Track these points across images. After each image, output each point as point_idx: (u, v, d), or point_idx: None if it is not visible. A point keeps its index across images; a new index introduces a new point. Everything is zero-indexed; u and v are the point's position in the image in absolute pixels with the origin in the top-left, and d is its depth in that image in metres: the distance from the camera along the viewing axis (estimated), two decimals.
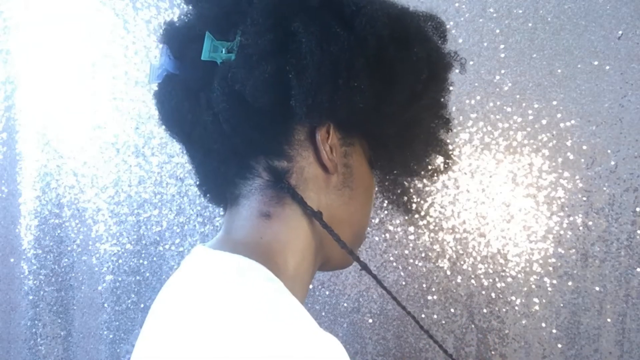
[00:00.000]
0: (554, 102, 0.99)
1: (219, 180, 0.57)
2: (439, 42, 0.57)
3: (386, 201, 0.72)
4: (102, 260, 1.16)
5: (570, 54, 0.98)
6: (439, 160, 0.66)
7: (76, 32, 1.15)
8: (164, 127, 0.58)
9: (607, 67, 0.97)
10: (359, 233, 0.59)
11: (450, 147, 0.69)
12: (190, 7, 0.55)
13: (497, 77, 1.01)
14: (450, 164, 0.67)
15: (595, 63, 0.98)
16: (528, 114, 1.00)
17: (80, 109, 1.15)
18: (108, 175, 1.15)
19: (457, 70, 0.60)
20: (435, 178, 0.71)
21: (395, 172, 0.64)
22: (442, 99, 0.61)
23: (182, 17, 0.56)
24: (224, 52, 0.51)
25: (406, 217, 0.74)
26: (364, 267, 0.56)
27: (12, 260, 1.20)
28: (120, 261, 1.15)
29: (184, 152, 0.61)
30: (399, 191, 0.70)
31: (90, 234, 1.16)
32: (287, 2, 0.50)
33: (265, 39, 0.48)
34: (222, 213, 1.12)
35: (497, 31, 1.01)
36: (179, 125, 0.56)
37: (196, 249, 0.54)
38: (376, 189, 0.63)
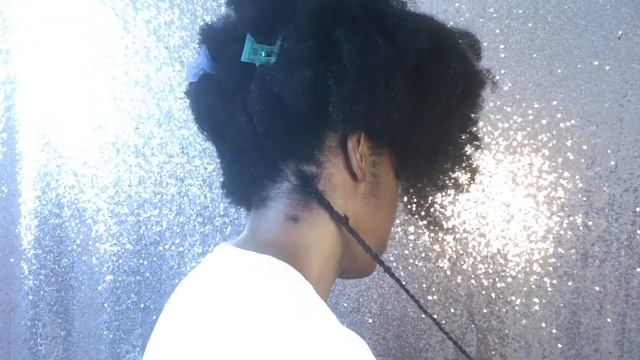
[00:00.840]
0: (554, 102, 0.99)
1: (247, 181, 0.57)
2: (474, 59, 0.59)
3: (409, 214, 0.73)
4: (102, 260, 1.16)
5: (570, 54, 0.98)
6: (464, 175, 0.67)
7: (76, 32, 1.15)
8: (197, 125, 0.59)
9: (607, 67, 0.97)
10: (382, 241, 0.60)
11: (475, 163, 0.69)
12: (232, 9, 0.56)
13: (497, 77, 1.01)
14: (474, 180, 0.68)
15: (595, 63, 0.98)
16: (528, 114, 1.00)
17: (80, 109, 1.15)
18: (108, 175, 1.15)
19: (489, 89, 0.62)
20: (459, 193, 0.72)
21: (419, 184, 0.65)
22: (474, 115, 0.62)
23: (221, 18, 0.57)
24: (263, 55, 0.51)
25: (430, 229, 0.75)
26: (387, 270, 0.58)
27: (12, 260, 1.20)
28: (120, 261, 1.15)
29: (215, 151, 0.62)
30: (422, 202, 0.72)
31: (90, 234, 1.16)
32: (330, 10, 0.50)
33: (306, 44, 0.49)
34: (221, 213, 1.12)
35: (497, 31, 1.01)
36: (212, 124, 0.57)
37: (220, 247, 0.55)
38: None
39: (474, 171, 0.67)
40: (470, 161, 0.65)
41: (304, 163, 0.53)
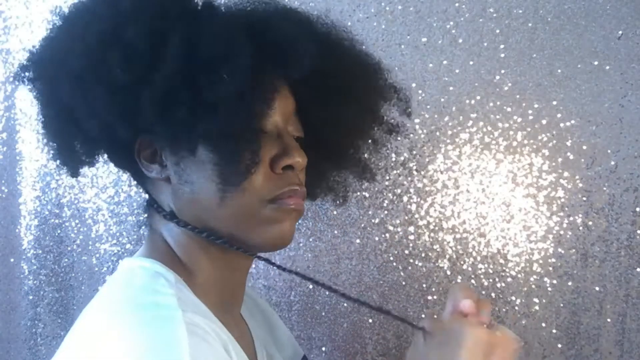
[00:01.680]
0: (554, 102, 0.99)
1: None
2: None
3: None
4: (102, 260, 1.16)
5: (570, 54, 0.98)
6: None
7: None
8: None
9: (607, 67, 0.97)
10: (234, 218, 0.56)
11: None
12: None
13: (497, 77, 1.01)
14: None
15: (595, 63, 0.98)
16: (528, 114, 1.00)
17: None
18: (108, 175, 1.15)
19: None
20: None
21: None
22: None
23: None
24: None
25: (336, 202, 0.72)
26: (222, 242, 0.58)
27: (12, 260, 1.20)
28: (120, 261, 1.15)
29: None
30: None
31: (90, 234, 1.16)
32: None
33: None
34: None
35: (497, 31, 1.01)
36: None
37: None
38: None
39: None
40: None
41: (138, 179, 0.62)
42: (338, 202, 0.73)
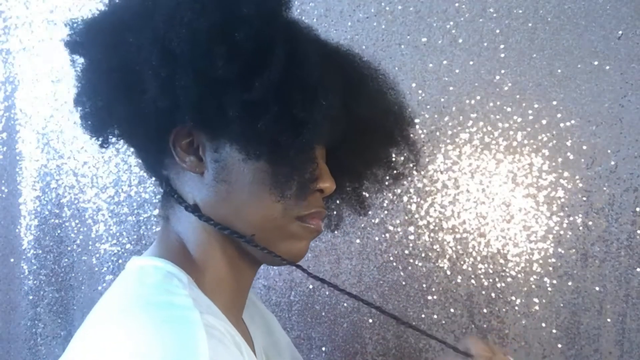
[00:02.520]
0: (554, 102, 0.99)
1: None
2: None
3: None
4: (102, 260, 1.16)
5: (570, 54, 0.98)
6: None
7: None
8: None
9: (607, 67, 0.97)
10: (263, 226, 0.56)
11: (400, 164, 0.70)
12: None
13: (497, 77, 1.01)
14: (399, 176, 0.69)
15: (595, 63, 0.98)
16: (528, 114, 1.00)
17: None
18: (108, 175, 1.15)
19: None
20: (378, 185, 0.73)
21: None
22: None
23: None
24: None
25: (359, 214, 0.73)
26: (263, 250, 0.58)
27: (12, 260, 1.20)
28: (120, 261, 1.15)
29: None
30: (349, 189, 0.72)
31: (90, 234, 1.16)
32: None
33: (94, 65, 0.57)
34: None
35: (497, 31, 1.01)
36: None
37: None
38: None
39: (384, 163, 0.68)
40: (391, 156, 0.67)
41: (161, 169, 0.60)
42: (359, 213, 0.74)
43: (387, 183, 0.72)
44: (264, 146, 0.52)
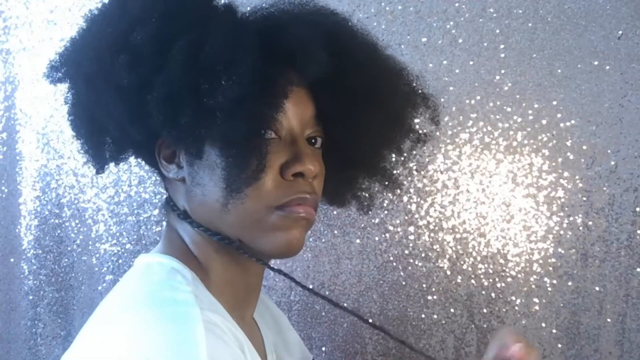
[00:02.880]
0: (554, 102, 0.99)
1: None
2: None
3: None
4: (102, 260, 1.16)
5: (570, 54, 0.98)
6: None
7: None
8: None
9: (607, 67, 0.97)
10: (241, 223, 0.55)
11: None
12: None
13: (497, 77, 1.01)
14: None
15: (595, 63, 0.98)
16: (528, 114, 1.00)
17: None
18: (108, 175, 1.15)
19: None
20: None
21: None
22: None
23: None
24: None
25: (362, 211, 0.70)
26: (238, 248, 0.58)
27: (12, 260, 1.20)
28: (120, 261, 1.15)
29: None
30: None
31: (90, 234, 1.16)
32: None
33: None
34: None
35: (497, 31, 1.01)
36: None
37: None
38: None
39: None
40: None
41: (160, 176, 0.62)
42: (363, 210, 0.71)
43: (410, 147, 0.68)
44: (198, 143, 0.52)
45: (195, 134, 0.51)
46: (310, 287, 1.08)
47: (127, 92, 0.51)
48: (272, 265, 0.60)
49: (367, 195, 0.70)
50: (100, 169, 0.62)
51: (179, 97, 0.50)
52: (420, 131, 0.68)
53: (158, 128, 0.52)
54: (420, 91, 0.66)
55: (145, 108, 0.51)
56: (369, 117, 0.62)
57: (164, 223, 0.65)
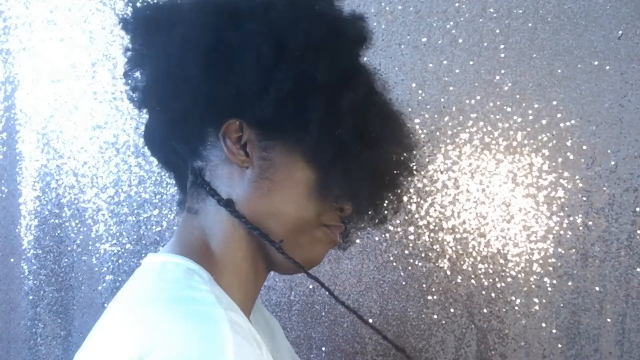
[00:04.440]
0: (554, 102, 0.99)
1: (178, 187, 0.67)
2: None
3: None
4: (102, 260, 1.16)
5: (570, 54, 0.98)
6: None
7: (76, 32, 1.15)
8: None
9: (607, 67, 0.97)
10: (295, 228, 0.57)
11: (403, 190, 0.68)
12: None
13: (497, 77, 1.01)
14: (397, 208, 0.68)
15: (595, 63, 0.98)
16: (528, 114, 1.00)
17: (80, 109, 1.16)
18: (108, 175, 1.15)
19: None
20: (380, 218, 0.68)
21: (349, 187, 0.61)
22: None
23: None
24: (143, 78, 0.60)
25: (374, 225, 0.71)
26: (289, 258, 0.58)
27: (12, 260, 1.20)
28: (120, 261, 1.15)
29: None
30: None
31: (90, 234, 1.16)
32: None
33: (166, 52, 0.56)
34: None
35: (497, 31, 1.01)
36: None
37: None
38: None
39: (399, 197, 0.67)
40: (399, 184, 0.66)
41: (193, 160, 0.59)
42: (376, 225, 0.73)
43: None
44: (332, 152, 0.54)
45: (342, 148, 0.54)
46: (310, 287, 1.08)
47: (286, 93, 0.53)
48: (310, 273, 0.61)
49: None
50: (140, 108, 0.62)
51: (348, 115, 0.54)
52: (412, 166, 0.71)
53: (306, 127, 0.54)
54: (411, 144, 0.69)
55: (303, 100, 0.53)
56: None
57: (178, 219, 0.64)
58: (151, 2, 0.60)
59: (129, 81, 0.61)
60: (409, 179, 0.68)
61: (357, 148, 0.55)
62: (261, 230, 0.56)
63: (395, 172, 0.63)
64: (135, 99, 0.61)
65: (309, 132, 0.53)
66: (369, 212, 0.66)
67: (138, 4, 0.60)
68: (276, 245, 0.56)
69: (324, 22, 0.55)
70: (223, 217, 0.57)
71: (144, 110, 0.65)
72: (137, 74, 0.60)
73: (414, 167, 0.70)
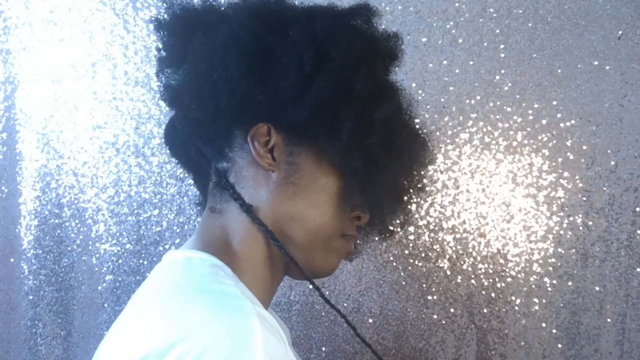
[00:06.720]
0: (554, 102, 0.99)
1: (198, 188, 0.68)
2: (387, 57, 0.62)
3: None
4: (102, 260, 1.16)
5: (570, 54, 0.98)
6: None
7: (76, 32, 1.15)
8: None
9: (607, 67, 0.97)
10: (317, 234, 0.58)
11: (409, 208, 0.69)
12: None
13: (497, 77, 1.01)
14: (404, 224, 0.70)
15: (595, 63, 0.98)
16: (528, 114, 1.00)
17: (80, 109, 1.15)
18: (108, 175, 1.15)
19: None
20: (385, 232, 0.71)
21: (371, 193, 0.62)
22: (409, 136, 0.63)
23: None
24: (177, 77, 0.60)
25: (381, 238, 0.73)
26: (295, 264, 0.59)
27: (12, 260, 1.20)
28: (120, 261, 1.15)
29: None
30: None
31: (90, 234, 1.16)
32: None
33: (196, 59, 0.57)
34: None
35: (497, 31, 1.01)
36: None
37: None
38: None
39: (407, 213, 0.69)
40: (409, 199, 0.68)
41: (218, 162, 0.60)
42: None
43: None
44: (360, 161, 0.56)
45: (371, 156, 0.56)
46: (310, 287, 1.08)
47: (322, 100, 0.54)
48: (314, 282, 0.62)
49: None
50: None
51: (379, 126, 0.56)
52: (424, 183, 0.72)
53: (337, 134, 0.55)
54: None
55: (337, 108, 0.54)
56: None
57: (198, 219, 0.64)
58: (186, 5, 0.62)
59: (162, 79, 0.62)
60: (421, 194, 0.70)
61: (384, 158, 0.56)
62: (280, 235, 0.58)
63: (413, 186, 0.65)
64: (166, 97, 0.62)
65: (341, 139, 0.54)
66: (385, 223, 0.67)
67: (174, 7, 0.61)
68: (290, 258, 0.58)
69: (363, 36, 0.58)
70: (245, 218, 0.58)
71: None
72: (169, 73, 0.61)
73: (425, 184, 0.72)
